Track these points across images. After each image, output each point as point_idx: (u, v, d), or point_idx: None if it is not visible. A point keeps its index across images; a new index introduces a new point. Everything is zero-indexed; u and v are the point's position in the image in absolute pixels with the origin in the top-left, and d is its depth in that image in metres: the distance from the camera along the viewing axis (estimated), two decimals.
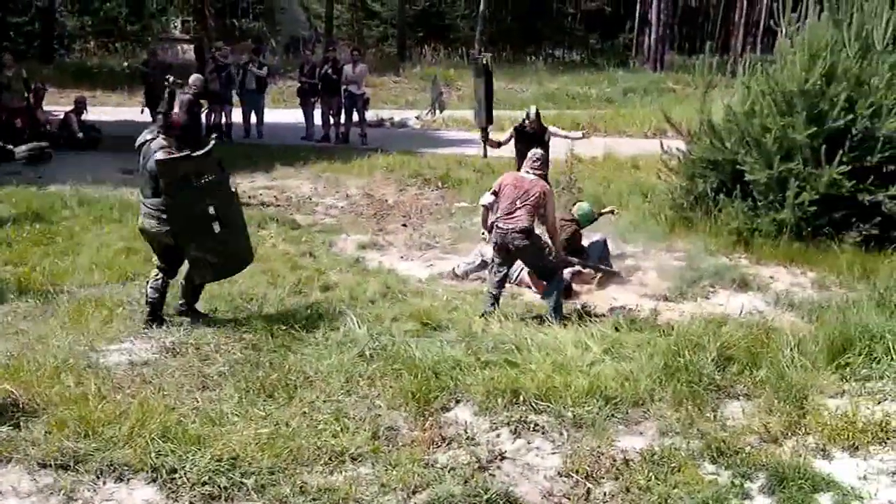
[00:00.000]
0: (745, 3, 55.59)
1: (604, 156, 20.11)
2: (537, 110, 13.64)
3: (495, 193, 9.94)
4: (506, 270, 10.08)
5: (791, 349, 8.37)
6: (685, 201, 13.96)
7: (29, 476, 6.22)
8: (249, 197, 16.05)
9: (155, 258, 9.44)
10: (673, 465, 6.52)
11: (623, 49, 53.67)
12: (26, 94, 19.95)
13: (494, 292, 9.94)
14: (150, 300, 9.26)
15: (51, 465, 6.29)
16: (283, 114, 26.28)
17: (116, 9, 42.25)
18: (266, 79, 23.34)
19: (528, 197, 9.68)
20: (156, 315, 9.27)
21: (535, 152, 10.26)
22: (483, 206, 10.11)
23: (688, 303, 10.74)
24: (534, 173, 9.97)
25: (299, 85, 23.70)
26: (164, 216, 8.94)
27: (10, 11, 23.22)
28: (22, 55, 30.48)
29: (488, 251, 10.91)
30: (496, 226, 9.80)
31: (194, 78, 17.40)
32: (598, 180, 17.45)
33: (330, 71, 22.48)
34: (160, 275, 9.28)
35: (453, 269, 11.75)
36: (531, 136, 13.09)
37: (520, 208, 9.65)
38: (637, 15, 55.85)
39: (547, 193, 9.81)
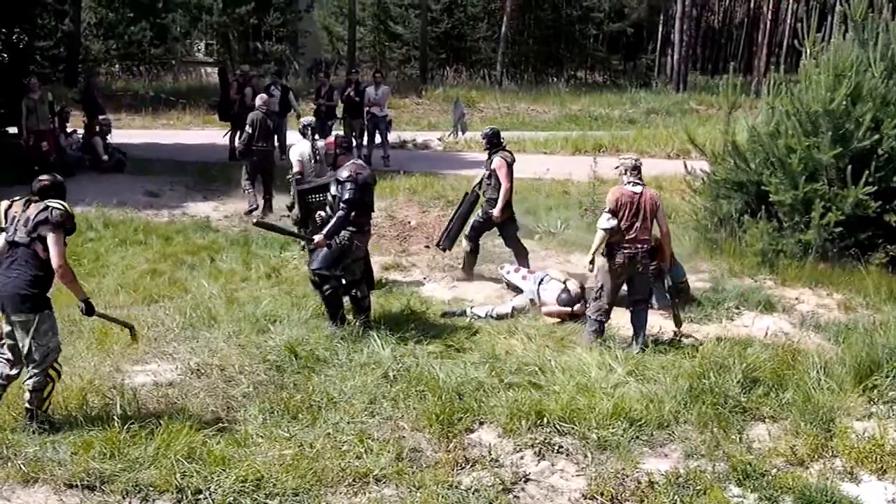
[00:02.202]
0: (768, 23, 55.57)
1: None
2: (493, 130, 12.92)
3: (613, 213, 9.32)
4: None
5: (817, 371, 8.34)
6: (709, 222, 13.89)
7: (56, 497, 6.26)
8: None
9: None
10: (698, 487, 6.49)
11: (645, 70, 53.75)
12: (52, 118, 20.09)
13: (603, 319, 9.66)
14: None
15: (77, 486, 6.33)
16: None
17: (141, 33, 42.52)
18: (291, 102, 23.32)
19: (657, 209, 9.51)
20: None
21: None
22: (606, 230, 9.35)
23: (712, 324, 10.67)
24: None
25: (315, 107, 23.73)
26: None
27: (36, 36, 23.45)
28: (48, 79, 30.73)
29: (519, 301, 10.93)
30: (622, 246, 9.33)
31: (263, 98, 17.83)
32: None
33: (352, 93, 22.54)
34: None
35: (487, 313, 10.97)
36: None
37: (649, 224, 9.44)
38: (659, 36, 56.11)
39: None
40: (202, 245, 14.03)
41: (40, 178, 7.44)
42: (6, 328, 7.24)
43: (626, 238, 9.26)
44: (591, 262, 9.50)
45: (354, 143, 22.90)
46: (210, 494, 6.24)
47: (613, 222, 9.20)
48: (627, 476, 6.69)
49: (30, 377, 7.19)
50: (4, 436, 6.98)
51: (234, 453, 6.79)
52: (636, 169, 9.49)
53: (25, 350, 7.15)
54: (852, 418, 7.71)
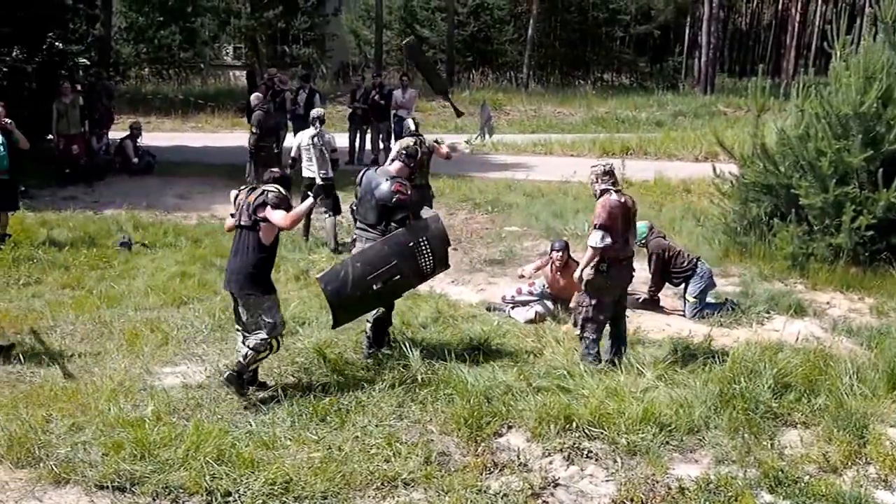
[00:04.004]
0: (797, 25, 55.28)
1: (654, 179, 19.99)
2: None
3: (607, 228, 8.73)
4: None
5: (850, 377, 8.27)
6: (739, 226, 13.81)
7: (87, 497, 6.30)
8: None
9: None
10: (730, 494, 6.45)
11: (673, 72, 53.49)
12: (83, 122, 20.21)
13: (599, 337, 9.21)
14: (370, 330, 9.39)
15: (108, 487, 6.37)
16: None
17: (170, 36, 42.76)
18: (316, 105, 23.34)
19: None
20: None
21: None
22: (598, 247, 8.77)
23: (743, 329, 10.61)
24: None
25: (351, 111, 23.75)
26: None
27: (67, 40, 23.64)
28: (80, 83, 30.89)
29: (541, 307, 10.91)
30: (618, 260, 8.88)
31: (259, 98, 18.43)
32: (649, 204, 17.35)
33: (377, 97, 22.56)
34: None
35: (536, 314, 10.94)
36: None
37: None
38: (686, 38, 55.89)
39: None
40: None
41: (271, 170, 8.69)
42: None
43: (621, 250, 8.87)
44: (581, 279, 8.93)
45: (382, 147, 23.01)
46: (239, 497, 6.27)
47: (609, 240, 8.65)
48: (657, 482, 6.66)
49: (251, 339, 8.11)
50: (37, 437, 7.01)
51: (262, 456, 6.81)
52: (608, 174, 8.97)
53: (252, 327, 8.14)
54: (886, 425, 7.63)
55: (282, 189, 8.23)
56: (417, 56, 16.18)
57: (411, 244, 8.77)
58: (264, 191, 8.12)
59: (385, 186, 8.90)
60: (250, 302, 8.13)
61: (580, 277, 8.92)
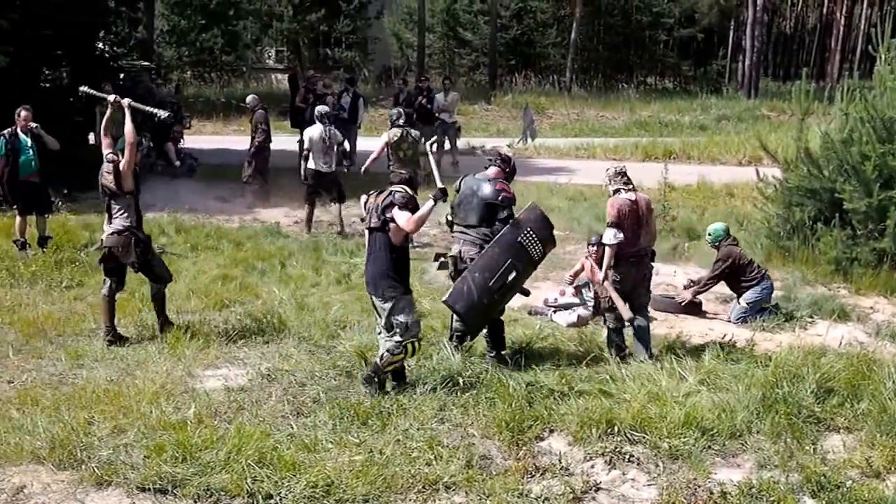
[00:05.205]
0: (841, 28, 54.76)
1: (697, 183, 19.90)
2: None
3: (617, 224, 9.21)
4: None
5: (893, 381, 8.17)
6: (782, 230, 13.74)
7: (129, 500, 6.34)
8: (338, 232, 16.31)
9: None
10: (772, 499, 6.42)
11: (716, 76, 53.17)
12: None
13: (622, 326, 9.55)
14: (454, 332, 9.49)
15: (150, 490, 6.40)
16: (374, 142, 26.44)
17: (212, 40, 42.98)
18: (360, 109, 23.43)
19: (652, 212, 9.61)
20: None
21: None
22: (612, 244, 9.26)
23: (785, 333, 10.55)
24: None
25: None
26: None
27: (111, 43, 23.92)
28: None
29: (584, 311, 10.90)
30: (628, 254, 9.30)
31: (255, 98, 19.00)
32: (692, 208, 17.28)
33: (424, 101, 22.61)
34: None
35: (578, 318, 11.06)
36: None
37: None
38: (730, 41, 55.59)
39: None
40: (272, 250, 14.14)
41: (398, 171, 9.07)
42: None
43: (631, 246, 9.25)
44: (605, 278, 9.36)
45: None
46: (280, 499, 6.29)
47: (620, 236, 9.12)
48: (699, 486, 6.63)
49: (388, 341, 8.27)
50: (79, 439, 7.07)
51: (304, 458, 6.81)
52: (621, 174, 9.46)
53: (388, 326, 8.27)
54: None
55: (408, 190, 8.43)
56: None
57: (519, 238, 8.97)
58: (391, 192, 8.33)
59: (488, 187, 9.17)
60: (386, 303, 8.22)
61: (605, 276, 9.38)
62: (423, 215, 8.24)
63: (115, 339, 9.66)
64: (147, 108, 10.89)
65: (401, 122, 15.04)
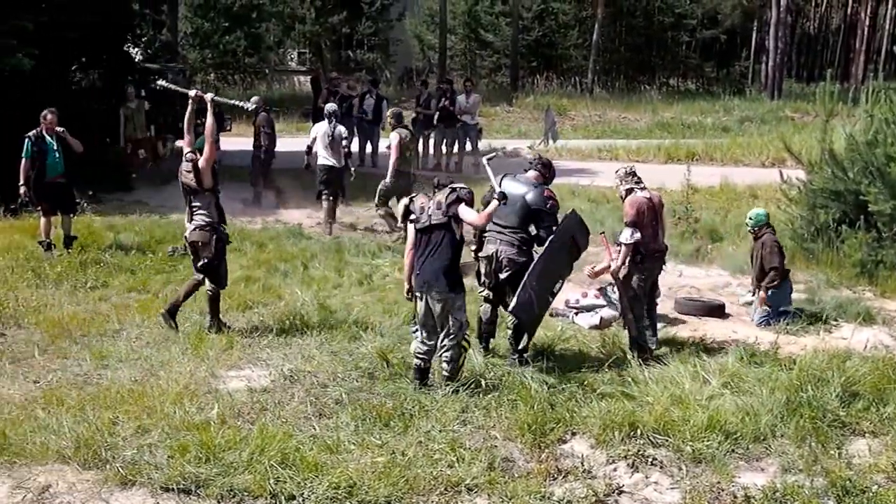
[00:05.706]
0: (866, 29, 54.48)
1: (720, 185, 19.84)
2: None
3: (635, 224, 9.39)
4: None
5: None
6: (806, 232, 13.68)
7: (152, 499, 6.36)
8: (366, 228, 16.45)
9: (482, 289, 9.56)
10: (796, 503, 6.37)
11: (739, 77, 53.03)
12: (149, 126, 20.49)
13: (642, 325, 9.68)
14: (484, 332, 9.57)
15: (173, 490, 6.42)
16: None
17: (235, 42, 43.16)
18: (383, 111, 23.50)
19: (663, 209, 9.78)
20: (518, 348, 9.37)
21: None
22: (629, 243, 9.43)
23: (810, 336, 10.49)
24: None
25: (414, 115, 23.85)
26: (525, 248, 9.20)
27: (136, 46, 24.08)
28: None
29: (607, 312, 10.89)
30: (647, 252, 9.48)
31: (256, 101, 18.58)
32: (715, 210, 17.22)
33: (447, 103, 22.63)
34: (488, 307, 9.55)
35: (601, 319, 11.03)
36: None
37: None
38: (753, 43, 55.36)
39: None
40: (295, 252, 14.17)
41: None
42: (421, 306, 8.42)
43: (650, 244, 9.43)
44: (617, 276, 9.51)
45: (445, 152, 23.11)
46: (303, 500, 6.29)
47: (638, 235, 9.29)
48: (723, 490, 6.60)
49: (446, 350, 8.32)
50: (103, 439, 7.10)
51: (326, 460, 6.82)
52: (632, 174, 9.67)
53: (442, 324, 8.31)
54: None
55: (468, 187, 8.56)
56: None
57: (567, 244, 9.13)
58: (454, 188, 8.40)
59: (536, 193, 9.14)
60: (447, 301, 8.26)
61: (616, 274, 9.51)
62: (491, 212, 8.45)
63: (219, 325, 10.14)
64: (231, 101, 11.03)
65: (402, 122, 15.78)
